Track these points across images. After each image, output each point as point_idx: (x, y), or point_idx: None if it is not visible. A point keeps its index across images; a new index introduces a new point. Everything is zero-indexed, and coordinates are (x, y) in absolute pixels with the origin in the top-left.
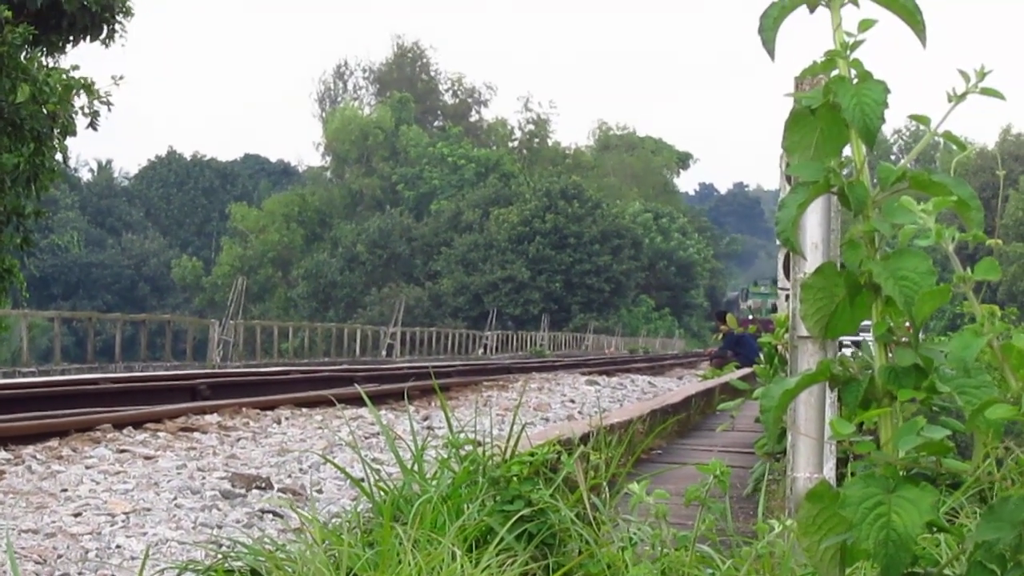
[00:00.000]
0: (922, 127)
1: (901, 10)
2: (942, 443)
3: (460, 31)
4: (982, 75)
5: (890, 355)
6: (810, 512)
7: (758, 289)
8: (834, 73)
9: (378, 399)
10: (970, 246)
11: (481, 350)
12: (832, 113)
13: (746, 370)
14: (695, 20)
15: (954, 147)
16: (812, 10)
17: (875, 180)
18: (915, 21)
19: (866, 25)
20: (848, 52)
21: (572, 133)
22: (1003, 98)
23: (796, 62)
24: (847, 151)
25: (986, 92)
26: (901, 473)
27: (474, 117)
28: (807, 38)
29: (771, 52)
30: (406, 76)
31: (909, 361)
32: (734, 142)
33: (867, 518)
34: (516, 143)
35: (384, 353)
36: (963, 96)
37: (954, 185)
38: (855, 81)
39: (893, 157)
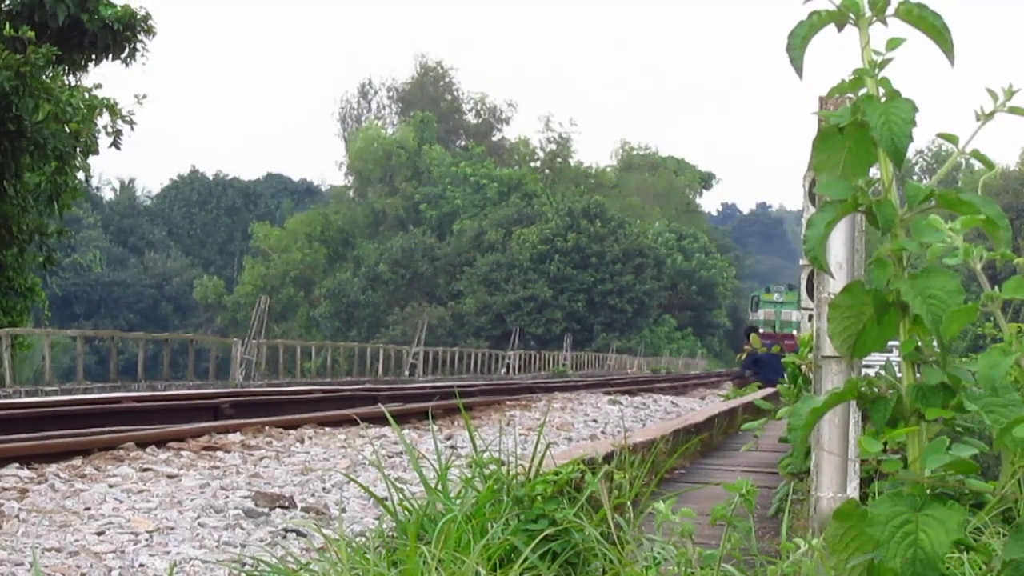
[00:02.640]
0: (944, 147)
1: (930, 29)
2: (969, 462)
3: (482, 50)
4: (1010, 94)
5: (918, 374)
6: (838, 530)
7: (770, 297)
8: (862, 92)
9: (401, 418)
10: (998, 265)
11: (503, 370)
12: (860, 132)
13: (769, 390)
14: (717, 40)
15: (979, 166)
16: (840, 29)
17: (903, 199)
18: (943, 40)
19: (894, 44)
20: (876, 71)
21: (594, 152)
22: None
23: (819, 82)
24: (875, 170)
25: (1014, 111)
26: (928, 492)
27: (496, 136)
28: (830, 59)
29: (799, 70)
30: (429, 96)
31: (937, 380)
32: (756, 162)
33: (894, 536)
34: (538, 163)
35: (407, 372)
36: (991, 115)
37: (982, 204)
38: (883, 100)
39: (915, 177)
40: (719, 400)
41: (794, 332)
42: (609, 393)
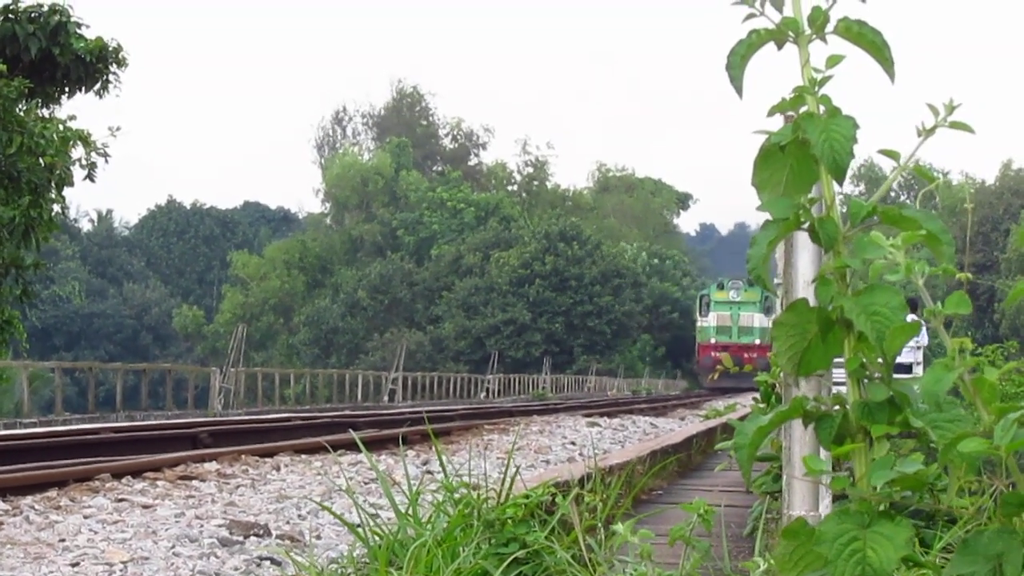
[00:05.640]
0: (922, 163)
1: (869, 46)
2: (917, 477)
3: (457, 74)
4: (951, 109)
5: (863, 390)
6: (787, 549)
7: (724, 295)
8: (803, 109)
9: (378, 444)
10: (940, 280)
11: (483, 394)
12: (802, 149)
13: (747, 410)
14: (692, 60)
15: (956, 182)
16: (780, 47)
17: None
18: (883, 57)
19: (834, 61)
20: (817, 88)
21: (571, 175)
22: (972, 131)
23: (775, 99)
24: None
25: (955, 126)
26: (880, 508)
27: (473, 161)
28: (792, 74)
29: (739, 90)
30: (405, 121)
31: (882, 396)
32: (734, 182)
33: (842, 554)
34: (515, 186)
35: (386, 398)
36: (932, 130)
37: (924, 219)
38: (824, 117)
39: (892, 194)
40: (698, 420)
41: (756, 341)
42: (588, 415)
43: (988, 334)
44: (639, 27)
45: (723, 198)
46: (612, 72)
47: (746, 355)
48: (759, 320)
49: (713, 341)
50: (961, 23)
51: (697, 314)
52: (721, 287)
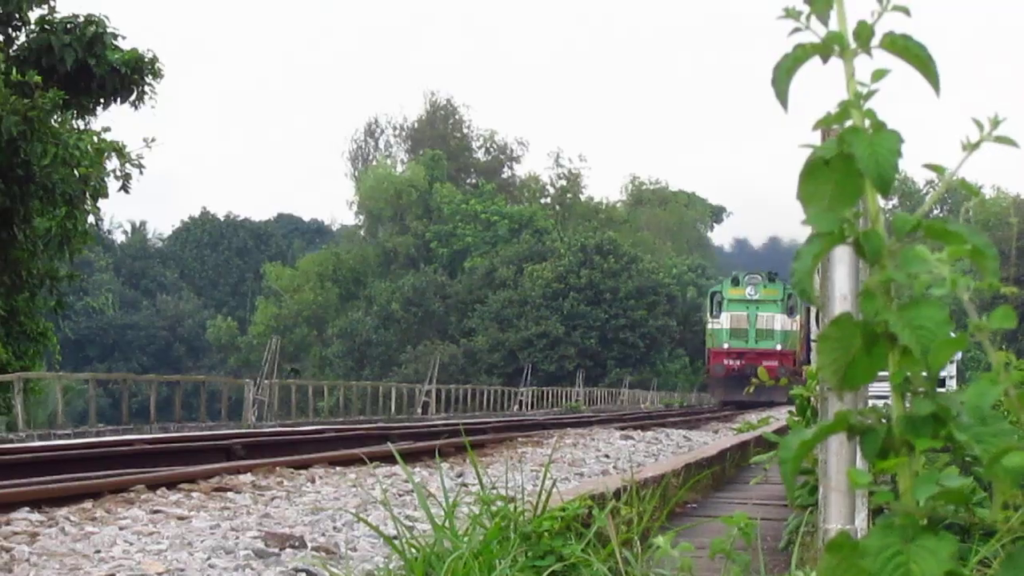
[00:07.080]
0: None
1: (915, 60)
2: (960, 492)
3: (491, 87)
4: (995, 123)
5: (907, 404)
6: (830, 563)
7: (739, 293)
8: (848, 123)
9: (413, 456)
10: (986, 294)
11: (516, 406)
12: (847, 163)
13: (780, 423)
14: (726, 73)
15: (989, 196)
16: (825, 61)
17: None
18: (929, 71)
19: (879, 75)
20: (862, 102)
21: (604, 187)
22: (1017, 146)
23: (819, 113)
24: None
25: (1000, 140)
26: (922, 523)
27: (506, 173)
28: (833, 89)
29: (784, 103)
30: (439, 133)
31: (926, 410)
32: (768, 197)
33: (886, 568)
34: (549, 199)
35: (419, 411)
36: (976, 145)
37: (969, 233)
38: (869, 131)
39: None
40: (731, 434)
41: (777, 346)
42: (622, 428)
43: (1021, 348)
44: (673, 42)
45: (755, 213)
46: (645, 85)
47: (765, 363)
48: (780, 322)
49: (726, 346)
50: (981, 33)
51: (708, 315)
52: (736, 283)
